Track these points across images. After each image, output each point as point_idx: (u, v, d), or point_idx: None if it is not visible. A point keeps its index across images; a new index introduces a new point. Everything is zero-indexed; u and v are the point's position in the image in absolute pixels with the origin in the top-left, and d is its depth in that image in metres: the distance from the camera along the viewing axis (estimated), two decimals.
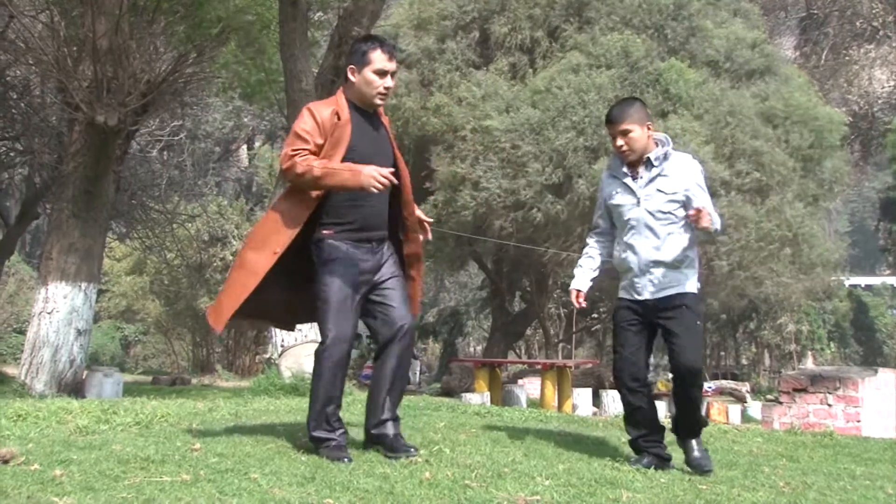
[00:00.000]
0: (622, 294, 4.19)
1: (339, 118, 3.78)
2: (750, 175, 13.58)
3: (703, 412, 4.20)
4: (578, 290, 4.25)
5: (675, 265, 4.03)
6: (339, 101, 3.86)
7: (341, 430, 3.80)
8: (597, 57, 14.06)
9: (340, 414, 3.85)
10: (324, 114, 3.78)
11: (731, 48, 14.81)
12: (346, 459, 3.58)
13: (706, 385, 14.81)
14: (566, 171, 13.66)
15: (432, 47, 15.49)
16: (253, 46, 11.82)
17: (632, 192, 4.10)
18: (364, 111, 3.88)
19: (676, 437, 4.14)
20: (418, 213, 4.05)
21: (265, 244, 3.81)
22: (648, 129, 4.06)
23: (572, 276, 4.35)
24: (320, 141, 3.75)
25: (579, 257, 4.40)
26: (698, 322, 4.04)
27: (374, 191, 3.64)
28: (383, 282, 3.86)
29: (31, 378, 9.49)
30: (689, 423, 4.08)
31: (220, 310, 3.88)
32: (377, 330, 3.87)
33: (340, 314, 3.72)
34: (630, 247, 4.10)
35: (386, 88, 3.83)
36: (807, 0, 25.48)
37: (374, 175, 3.61)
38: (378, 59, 3.80)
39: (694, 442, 4.04)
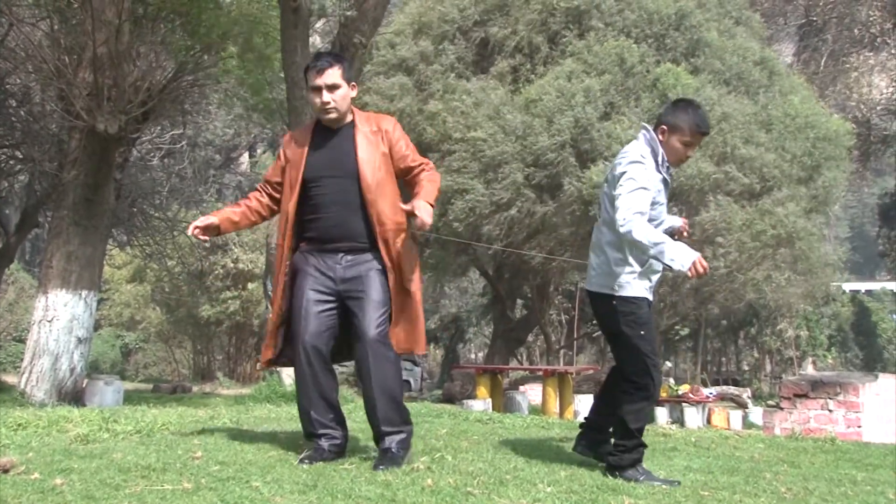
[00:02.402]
0: (644, 293, 3.90)
1: (295, 143, 4.02)
2: (739, 180, 13.60)
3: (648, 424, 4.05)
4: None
5: None
6: (307, 125, 4.11)
7: (327, 435, 3.83)
8: (591, 64, 14.11)
9: (326, 419, 3.86)
10: (285, 141, 4.11)
11: (743, 66, 14.83)
12: (305, 462, 3.68)
13: (707, 391, 14.80)
14: (549, 172, 13.72)
15: (429, 51, 15.51)
16: (253, 53, 11.83)
17: (668, 189, 3.97)
18: (328, 128, 3.97)
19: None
20: (420, 203, 3.81)
21: (275, 277, 4.10)
22: None
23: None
24: (277, 172, 4.05)
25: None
26: None
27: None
28: (353, 295, 3.83)
29: (31, 386, 9.48)
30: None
31: (264, 346, 4.09)
32: (353, 344, 3.88)
33: (302, 321, 3.83)
34: None
35: (324, 103, 3.87)
36: (805, 7, 25.52)
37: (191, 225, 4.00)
38: (310, 78, 3.92)
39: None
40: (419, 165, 4.00)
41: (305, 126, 4.13)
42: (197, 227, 3.99)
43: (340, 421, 3.91)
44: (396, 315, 3.87)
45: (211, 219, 4.04)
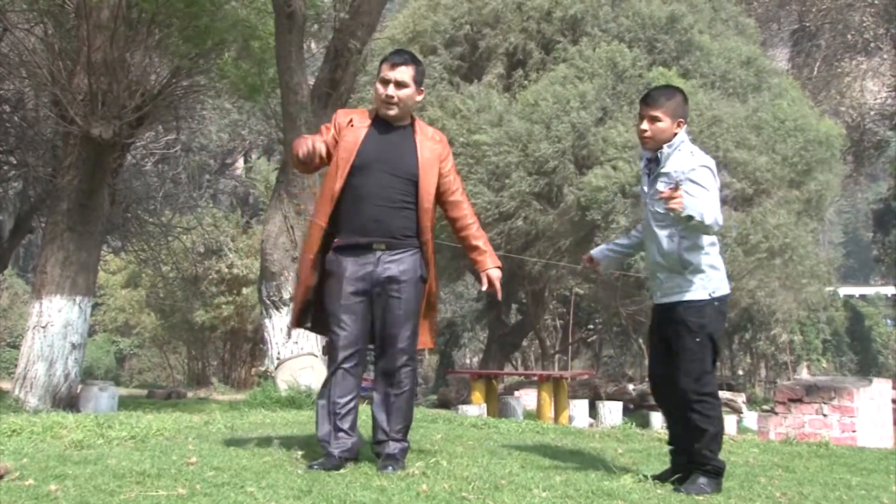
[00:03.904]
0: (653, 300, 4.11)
1: (352, 124, 3.95)
2: (732, 185, 13.63)
3: (715, 444, 3.80)
4: (590, 256, 4.23)
5: (677, 269, 3.83)
6: (365, 111, 4.06)
7: (339, 440, 3.82)
8: (582, 69, 14.17)
9: (343, 423, 3.85)
10: (341, 118, 4.01)
11: (727, 66, 14.87)
12: (315, 468, 3.67)
13: None
14: (551, 180, 13.75)
15: (423, 60, 15.59)
16: (249, 58, 11.82)
17: (645, 188, 3.98)
18: (388, 123, 3.97)
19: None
20: (491, 273, 4.06)
21: (304, 250, 4.11)
22: (679, 125, 3.88)
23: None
24: (328, 136, 3.95)
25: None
26: (697, 339, 3.77)
27: (299, 154, 3.75)
28: (387, 299, 3.84)
29: (25, 392, 9.45)
30: (694, 454, 3.79)
31: (292, 313, 4.19)
32: (376, 346, 3.93)
33: (336, 324, 3.84)
34: (646, 247, 4.05)
35: (388, 96, 3.88)
36: (799, 12, 25.62)
37: (303, 139, 3.81)
38: (381, 69, 3.94)
39: (700, 477, 3.74)
40: (461, 199, 4.09)
41: (364, 111, 4.07)
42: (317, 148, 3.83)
43: (354, 426, 3.93)
44: (430, 316, 4.04)
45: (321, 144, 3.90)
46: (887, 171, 28.04)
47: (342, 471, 3.66)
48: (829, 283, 18.33)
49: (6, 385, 12.77)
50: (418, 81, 3.95)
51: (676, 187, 3.63)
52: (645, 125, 3.89)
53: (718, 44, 15.18)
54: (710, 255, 3.85)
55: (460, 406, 11.74)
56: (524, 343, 24.13)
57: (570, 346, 24.57)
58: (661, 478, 3.88)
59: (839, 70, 24.90)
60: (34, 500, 2.88)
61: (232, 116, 22.60)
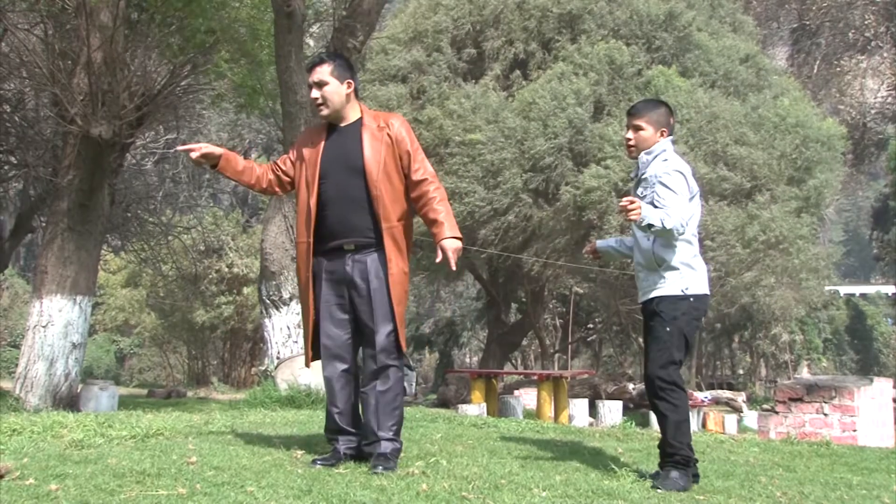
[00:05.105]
0: None
1: (309, 141, 4.04)
2: (730, 179, 13.63)
3: (681, 434, 3.84)
4: (595, 246, 4.42)
5: (653, 267, 3.97)
6: (322, 124, 4.09)
7: (334, 448, 3.92)
8: (580, 65, 14.20)
9: (346, 422, 3.93)
10: (299, 140, 4.15)
11: (729, 66, 14.89)
12: (318, 463, 3.77)
13: (702, 395, 14.78)
14: (548, 177, 13.77)
15: (423, 59, 15.60)
16: (248, 58, 11.82)
17: (639, 182, 4.10)
18: (336, 126, 4.00)
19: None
20: (445, 244, 3.87)
21: (298, 275, 4.11)
22: (662, 135, 4.02)
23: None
24: (292, 157, 4.11)
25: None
26: (668, 329, 3.87)
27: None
28: (361, 299, 3.86)
29: (25, 392, 9.45)
30: (662, 443, 3.89)
31: (306, 349, 4.08)
32: (362, 346, 3.94)
33: (324, 326, 3.91)
34: (633, 249, 4.17)
35: (312, 100, 3.98)
36: (799, 11, 25.62)
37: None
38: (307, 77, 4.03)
39: (671, 471, 3.79)
40: (423, 177, 3.93)
41: (321, 125, 4.11)
42: (195, 150, 3.96)
43: (359, 425, 3.96)
44: (402, 296, 3.95)
45: (217, 149, 4.04)
46: (887, 170, 28.06)
47: (342, 469, 3.66)
48: (828, 279, 18.33)
49: (7, 384, 12.77)
50: (340, 75, 3.93)
51: (630, 201, 3.74)
52: (629, 134, 4.10)
53: (716, 42, 15.20)
54: (684, 254, 3.95)
55: (460, 405, 11.74)
56: (524, 342, 24.15)
57: (569, 346, 24.56)
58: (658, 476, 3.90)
59: (839, 68, 24.91)
60: (34, 499, 2.88)
61: (231, 115, 22.60)
